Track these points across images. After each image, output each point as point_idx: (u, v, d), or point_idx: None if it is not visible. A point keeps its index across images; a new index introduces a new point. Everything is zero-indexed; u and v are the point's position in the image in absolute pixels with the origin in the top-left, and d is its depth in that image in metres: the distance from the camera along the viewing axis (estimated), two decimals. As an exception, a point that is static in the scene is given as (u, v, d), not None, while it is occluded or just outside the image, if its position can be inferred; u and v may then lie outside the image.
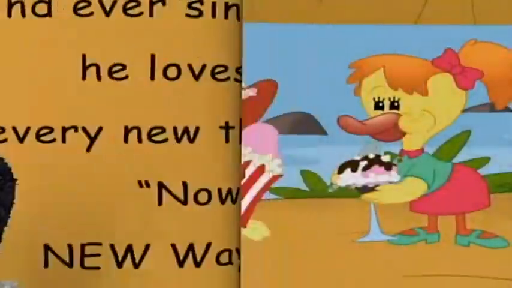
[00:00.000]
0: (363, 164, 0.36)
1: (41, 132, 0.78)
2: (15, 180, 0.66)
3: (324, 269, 0.35)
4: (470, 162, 0.36)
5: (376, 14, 0.35)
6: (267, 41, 0.38)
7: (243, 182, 0.36)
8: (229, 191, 0.45)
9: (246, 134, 0.35)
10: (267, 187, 0.35)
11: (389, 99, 0.36)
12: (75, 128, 0.71)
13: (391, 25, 0.34)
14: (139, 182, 0.62)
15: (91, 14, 0.63)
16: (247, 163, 0.35)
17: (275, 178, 0.35)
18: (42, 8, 0.68)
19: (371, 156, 0.36)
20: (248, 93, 0.34)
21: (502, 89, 0.36)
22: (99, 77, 0.70)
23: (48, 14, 0.64)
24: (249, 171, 0.36)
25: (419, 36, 0.35)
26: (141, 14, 0.62)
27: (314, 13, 0.36)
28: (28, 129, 0.77)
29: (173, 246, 0.62)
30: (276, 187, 0.35)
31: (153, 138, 0.69)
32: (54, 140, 0.76)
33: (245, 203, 0.36)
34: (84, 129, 0.74)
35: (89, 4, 0.66)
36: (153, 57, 0.62)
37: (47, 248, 0.62)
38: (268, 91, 0.35)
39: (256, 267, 0.38)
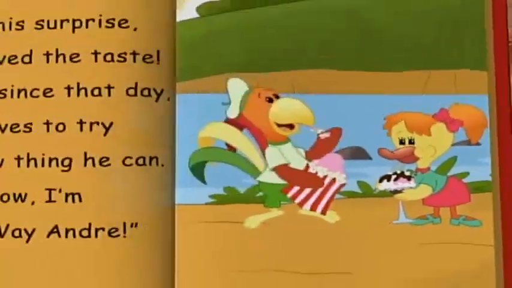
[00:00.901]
0: (393, 176, 0.53)
1: None
2: None
3: (371, 241, 0.51)
4: (457, 175, 0.52)
5: (399, 88, 0.52)
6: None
7: (322, 188, 0.53)
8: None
9: (324, 160, 0.52)
10: (337, 191, 0.52)
11: (408, 138, 0.53)
12: None
13: (408, 95, 0.51)
14: None
15: None
16: (325, 177, 0.53)
17: (342, 186, 0.52)
18: None
19: (398, 172, 0.53)
20: (325, 135, 0.52)
21: (475, 132, 0.53)
22: None
23: None
24: (326, 181, 0.53)
25: (425, 101, 0.53)
26: None
27: (359, 85, 0.53)
28: None
29: None
30: (342, 191, 0.52)
31: None
32: None
33: (325, 201, 0.53)
34: None
35: None
36: None
37: None
38: (337, 134, 0.52)
39: (334, 243, 0.54)
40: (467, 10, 0.56)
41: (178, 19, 0.55)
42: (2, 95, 0.54)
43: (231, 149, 0.54)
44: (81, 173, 0.54)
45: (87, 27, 0.55)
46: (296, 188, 0.54)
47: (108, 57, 0.54)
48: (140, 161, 0.53)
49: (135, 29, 0.54)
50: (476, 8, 0.56)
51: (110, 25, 0.55)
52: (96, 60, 0.54)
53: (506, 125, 0.55)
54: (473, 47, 0.55)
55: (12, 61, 0.54)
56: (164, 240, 0.53)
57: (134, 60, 0.54)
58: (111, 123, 0.54)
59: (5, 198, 0.54)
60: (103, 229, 0.53)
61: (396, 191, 0.55)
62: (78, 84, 0.54)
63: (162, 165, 0.53)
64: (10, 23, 0.56)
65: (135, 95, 0.54)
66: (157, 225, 0.53)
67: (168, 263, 0.53)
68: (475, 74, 0.55)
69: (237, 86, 0.55)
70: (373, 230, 0.54)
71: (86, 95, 0.54)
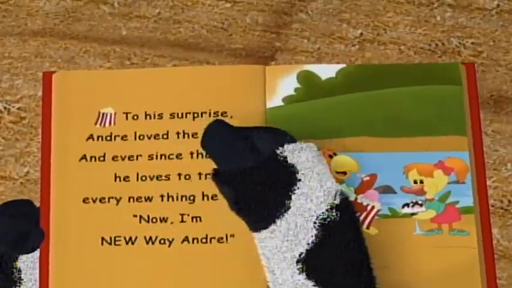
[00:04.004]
0: (411, 204, 0.66)
1: None
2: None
3: (399, 245, 0.65)
4: (451, 203, 0.66)
5: (412, 148, 0.67)
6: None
7: (366, 212, 0.66)
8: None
9: (366, 194, 0.66)
10: (375, 214, 0.66)
11: (419, 180, 0.67)
12: None
13: (418, 152, 0.67)
14: None
15: None
16: (367, 205, 0.66)
17: (378, 210, 0.66)
18: None
19: (414, 201, 0.67)
20: (367, 178, 0.67)
21: (461, 175, 0.67)
22: None
23: None
24: (368, 208, 0.66)
25: (429, 156, 0.67)
26: None
27: (387, 146, 0.67)
28: None
29: None
30: (379, 214, 0.66)
31: None
32: None
33: (368, 220, 0.66)
34: None
35: None
36: None
37: None
38: (374, 178, 0.67)
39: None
40: (455, 99, 0.68)
41: (268, 106, 0.68)
42: (150, 158, 0.67)
43: None
44: (200, 204, 0.65)
45: (202, 116, 0.68)
46: None
47: None
48: None
49: (231, 117, 0.67)
50: (460, 97, 0.68)
51: (215, 115, 0.68)
52: None
53: (481, 170, 0.67)
54: (458, 122, 0.67)
55: (156, 138, 0.67)
56: (253, 248, 0.62)
57: None
58: None
59: (154, 220, 0.65)
60: (214, 238, 0.63)
61: (413, 214, 0.66)
62: (197, 151, 0.66)
63: None
64: (154, 114, 0.68)
65: None
66: (248, 236, 0.62)
67: (258, 263, 0.62)
68: (459, 138, 0.67)
69: None
70: (400, 239, 0.65)
71: (203, 157, 0.66)
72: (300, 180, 0.60)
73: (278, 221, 0.59)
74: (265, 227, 0.59)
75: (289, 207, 0.59)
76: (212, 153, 0.62)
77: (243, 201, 0.60)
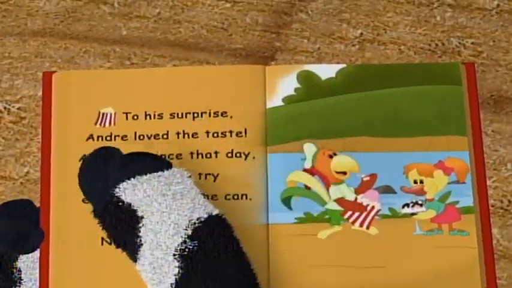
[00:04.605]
0: (411, 204, 0.66)
1: None
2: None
3: (399, 245, 0.65)
4: (451, 203, 0.66)
5: (412, 148, 0.67)
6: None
7: (366, 212, 0.66)
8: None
9: (366, 194, 0.67)
10: (375, 214, 0.66)
11: (419, 180, 0.67)
12: None
13: (418, 152, 0.67)
14: None
15: None
16: (368, 205, 0.66)
17: (378, 210, 0.66)
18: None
19: (414, 201, 0.66)
20: (367, 178, 0.66)
21: (461, 175, 0.66)
22: None
23: None
24: (368, 208, 0.67)
25: (429, 156, 0.67)
26: None
27: (387, 146, 0.67)
28: None
29: None
30: (379, 214, 0.66)
31: None
32: None
33: (368, 220, 0.66)
34: None
35: None
36: None
37: None
38: (374, 178, 0.67)
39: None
40: (455, 99, 0.68)
41: (268, 106, 0.67)
42: None
43: (307, 188, 0.66)
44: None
45: (201, 116, 0.68)
46: (350, 212, 0.65)
47: (215, 135, 0.67)
48: (235, 197, 0.64)
49: (231, 117, 0.67)
50: (460, 97, 0.68)
51: (215, 115, 0.68)
52: (207, 137, 0.67)
53: (481, 170, 0.67)
54: (458, 122, 0.67)
55: (156, 138, 0.67)
56: (262, 249, 0.63)
57: (231, 136, 0.67)
58: (218, 174, 0.66)
59: None
60: None
61: (413, 214, 0.65)
62: (197, 151, 0.66)
63: (250, 199, 0.64)
64: (154, 114, 0.68)
65: (232, 156, 0.66)
66: (247, 235, 0.62)
67: (264, 262, 0.62)
68: (459, 138, 0.66)
69: (310, 148, 0.66)
70: (400, 239, 0.64)
71: (203, 157, 0.66)
72: (142, 217, 0.59)
73: (141, 257, 0.59)
74: (135, 261, 0.59)
75: (141, 244, 0.58)
76: (82, 191, 0.61)
77: (110, 238, 0.60)
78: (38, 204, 0.65)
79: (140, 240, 0.59)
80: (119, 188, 0.60)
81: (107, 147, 0.62)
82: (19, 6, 0.79)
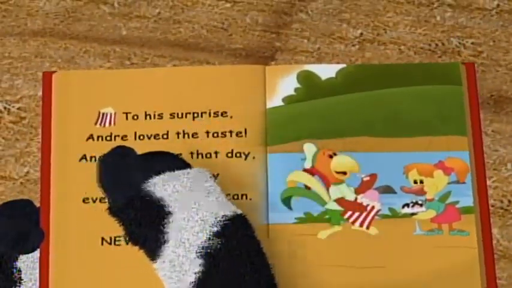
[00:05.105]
0: (411, 204, 0.66)
1: None
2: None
3: (399, 246, 0.65)
4: (451, 203, 0.66)
5: (412, 148, 0.67)
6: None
7: (366, 212, 0.67)
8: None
9: (366, 194, 0.67)
10: (375, 214, 0.66)
11: (419, 180, 0.67)
12: None
13: (418, 152, 0.67)
14: None
15: None
16: (367, 205, 0.67)
17: (378, 210, 0.66)
18: None
19: (414, 201, 0.66)
20: (367, 178, 0.67)
21: (461, 175, 0.67)
22: None
23: None
24: (368, 208, 0.67)
25: (429, 156, 0.67)
26: None
27: (387, 146, 0.68)
28: None
29: None
30: (379, 214, 0.66)
31: None
32: None
33: (368, 220, 0.66)
34: None
35: None
36: None
37: None
38: (374, 178, 0.67)
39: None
40: (455, 99, 0.68)
41: (268, 106, 0.68)
42: None
43: (307, 188, 0.66)
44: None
45: (202, 116, 0.68)
46: (350, 212, 0.66)
47: (215, 135, 0.67)
48: (235, 197, 0.65)
49: (231, 117, 0.67)
50: (460, 97, 0.68)
51: (215, 115, 0.68)
52: (207, 137, 0.67)
53: (481, 170, 0.67)
54: (458, 122, 0.67)
55: (156, 138, 0.67)
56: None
57: (231, 136, 0.67)
58: (218, 174, 0.66)
59: None
60: None
61: (413, 214, 0.66)
62: (197, 151, 0.67)
63: (250, 199, 0.64)
64: (154, 114, 0.68)
65: (232, 156, 0.66)
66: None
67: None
68: (459, 138, 0.67)
69: (310, 148, 0.67)
70: (400, 239, 0.65)
71: (203, 157, 0.67)
72: (170, 213, 0.59)
73: (162, 254, 0.58)
74: (154, 259, 0.59)
75: (166, 241, 0.59)
76: (100, 187, 0.61)
77: (129, 235, 0.60)
78: (38, 204, 0.65)
79: (164, 237, 0.59)
80: (149, 182, 0.60)
81: (123, 146, 0.62)
82: (19, 6, 0.79)
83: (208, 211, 0.59)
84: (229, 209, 0.59)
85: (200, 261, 0.57)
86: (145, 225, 0.59)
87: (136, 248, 0.60)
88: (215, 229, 0.58)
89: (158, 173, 0.60)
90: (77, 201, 0.65)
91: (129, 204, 0.59)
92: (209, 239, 0.58)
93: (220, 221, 0.59)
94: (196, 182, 0.60)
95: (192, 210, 0.58)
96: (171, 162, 0.61)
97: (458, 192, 0.66)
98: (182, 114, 0.68)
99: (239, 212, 0.59)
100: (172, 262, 0.58)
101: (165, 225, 0.59)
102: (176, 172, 0.60)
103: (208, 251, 0.57)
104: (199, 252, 0.58)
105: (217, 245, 0.58)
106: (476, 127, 0.67)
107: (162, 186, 0.59)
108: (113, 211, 0.60)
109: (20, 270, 0.63)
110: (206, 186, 0.60)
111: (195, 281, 0.57)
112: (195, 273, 0.57)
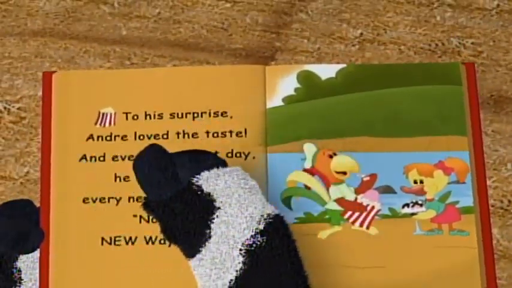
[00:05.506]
0: (411, 204, 0.67)
1: None
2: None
3: (398, 246, 0.65)
4: (452, 203, 0.66)
5: (412, 148, 0.67)
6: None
7: (366, 212, 0.67)
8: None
9: (366, 194, 0.67)
10: (375, 214, 0.66)
11: (419, 180, 0.67)
12: None
13: (418, 152, 0.67)
14: None
15: None
16: (368, 205, 0.67)
17: (378, 210, 0.66)
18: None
19: (414, 201, 0.66)
20: (367, 178, 0.67)
21: (461, 175, 0.67)
22: None
23: None
24: (368, 208, 0.67)
25: (429, 156, 0.67)
26: None
27: (387, 146, 0.68)
28: None
29: None
30: (379, 214, 0.66)
31: None
32: None
33: (368, 220, 0.66)
34: None
35: None
36: None
37: None
38: (374, 178, 0.67)
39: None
40: (455, 99, 0.68)
41: (268, 106, 0.68)
42: None
43: (308, 188, 0.66)
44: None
45: (202, 116, 0.68)
46: (350, 212, 0.66)
47: (215, 135, 0.68)
48: None
49: (231, 117, 0.67)
50: (460, 97, 0.68)
51: (215, 115, 0.68)
52: (207, 137, 0.68)
53: (481, 170, 0.67)
54: (458, 122, 0.68)
55: (156, 138, 0.68)
56: None
57: (231, 136, 0.68)
58: None
59: (154, 220, 0.63)
60: None
61: (413, 214, 0.66)
62: None
63: None
64: (154, 114, 0.68)
65: (232, 156, 0.67)
66: None
67: None
68: (459, 138, 0.67)
69: (310, 148, 0.67)
70: (400, 239, 0.65)
71: None
72: (218, 208, 0.59)
73: (202, 250, 0.58)
74: (193, 256, 0.59)
75: (210, 236, 0.59)
76: (140, 182, 0.61)
77: (169, 230, 0.60)
78: (38, 204, 0.65)
79: (210, 232, 0.59)
80: (200, 176, 0.60)
81: (156, 144, 0.62)
82: (19, 6, 0.79)
83: (256, 208, 0.59)
84: (271, 209, 0.59)
85: (242, 258, 0.58)
86: (191, 219, 0.59)
87: (151, 246, 0.61)
88: (260, 227, 0.58)
89: (207, 168, 0.60)
90: (77, 201, 0.66)
91: (176, 197, 0.59)
92: (253, 236, 0.58)
93: (265, 219, 0.59)
94: (245, 179, 0.60)
95: (242, 206, 0.59)
96: (214, 159, 0.61)
97: (458, 192, 0.66)
98: (182, 114, 0.68)
99: (278, 212, 0.60)
100: (214, 259, 0.58)
101: (212, 220, 0.59)
102: (226, 168, 0.60)
103: (252, 248, 0.57)
104: (242, 250, 0.58)
105: (261, 243, 0.58)
106: (476, 127, 0.67)
107: (214, 180, 0.60)
108: (152, 206, 0.60)
109: (20, 270, 0.63)
110: (252, 184, 0.60)
111: (234, 279, 0.57)
112: (236, 271, 0.57)
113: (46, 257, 0.64)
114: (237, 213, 0.59)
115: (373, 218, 0.66)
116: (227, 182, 0.60)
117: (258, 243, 0.58)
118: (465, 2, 0.78)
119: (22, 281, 0.63)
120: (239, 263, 0.57)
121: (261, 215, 0.59)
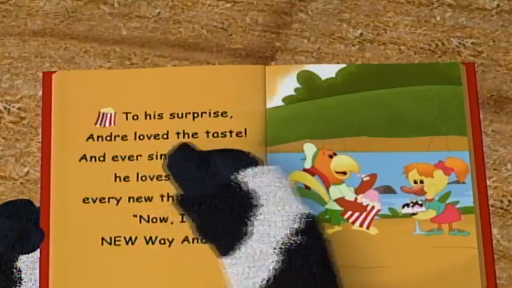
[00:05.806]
0: (411, 204, 0.67)
1: None
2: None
3: (399, 245, 0.65)
4: (452, 203, 0.67)
5: (412, 148, 0.68)
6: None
7: (366, 212, 0.67)
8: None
9: (366, 194, 0.67)
10: (376, 214, 0.67)
11: (419, 180, 0.67)
12: None
13: (418, 152, 0.67)
14: None
15: None
16: (368, 205, 0.67)
17: (378, 210, 0.67)
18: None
19: (414, 201, 0.67)
20: (367, 178, 0.67)
21: (462, 175, 0.67)
22: None
23: None
24: (368, 208, 0.67)
25: (429, 156, 0.68)
26: None
27: (387, 146, 0.68)
28: None
29: None
30: (379, 214, 0.66)
31: None
32: None
33: (368, 220, 0.67)
34: None
35: None
36: None
37: None
38: (374, 178, 0.67)
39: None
40: (455, 99, 0.69)
41: (268, 106, 0.68)
42: (150, 158, 0.67)
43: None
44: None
45: (202, 116, 0.68)
46: (350, 212, 0.66)
47: (215, 135, 0.68)
48: None
49: (231, 117, 0.68)
50: (460, 97, 0.69)
51: (215, 115, 0.68)
52: (207, 137, 0.68)
53: (481, 170, 0.68)
54: (458, 122, 0.68)
55: (156, 138, 0.68)
56: None
57: (231, 136, 0.68)
58: None
59: (154, 220, 0.65)
60: None
61: (413, 214, 0.67)
62: None
63: None
64: (154, 114, 0.69)
65: None
66: None
67: None
68: (460, 138, 0.68)
69: (310, 148, 0.68)
70: (400, 239, 0.65)
71: None
72: (262, 205, 0.59)
73: (242, 247, 0.59)
74: (229, 253, 0.59)
75: (252, 233, 0.59)
76: (176, 179, 0.61)
77: (206, 227, 0.60)
78: (38, 204, 0.65)
79: (250, 230, 0.59)
80: (244, 173, 0.60)
81: (187, 143, 0.63)
82: (19, 6, 0.79)
83: (294, 207, 0.59)
84: (307, 209, 0.60)
85: (277, 257, 0.57)
86: (232, 216, 0.59)
87: (151, 246, 0.61)
88: (297, 226, 0.58)
89: (248, 166, 0.60)
90: (77, 201, 0.66)
91: (216, 194, 0.59)
92: (291, 235, 0.58)
93: (302, 218, 0.59)
94: (285, 179, 0.61)
95: (285, 204, 0.59)
96: (252, 157, 0.61)
97: (458, 192, 0.67)
98: (182, 114, 0.68)
99: (313, 212, 0.60)
100: (250, 256, 0.58)
101: (252, 217, 0.59)
102: (266, 167, 0.60)
103: (288, 247, 0.57)
104: (277, 248, 0.58)
105: (298, 241, 0.58)
106: (476, 127, 0.67)
107: (260, 178, 0.60)
108: (188, 202, 0.60)
109: (20, 270, 0.63)
110: (290, 184, 0.60)
111: (268, 277, 0.57)
112: (271, 269, 0.57)
113: (46, 257, 0.64)
114: (277, 211, 0.59)
115: (373, 218, 0.66)
116: (270, 180, 0.60)
117: (294, 242, 0.58)
118: (465, 2, 0.77)
119: (22, 281, 0.63)
120: (275, 261, 0.57)
121: (300, 215, 0.59)
